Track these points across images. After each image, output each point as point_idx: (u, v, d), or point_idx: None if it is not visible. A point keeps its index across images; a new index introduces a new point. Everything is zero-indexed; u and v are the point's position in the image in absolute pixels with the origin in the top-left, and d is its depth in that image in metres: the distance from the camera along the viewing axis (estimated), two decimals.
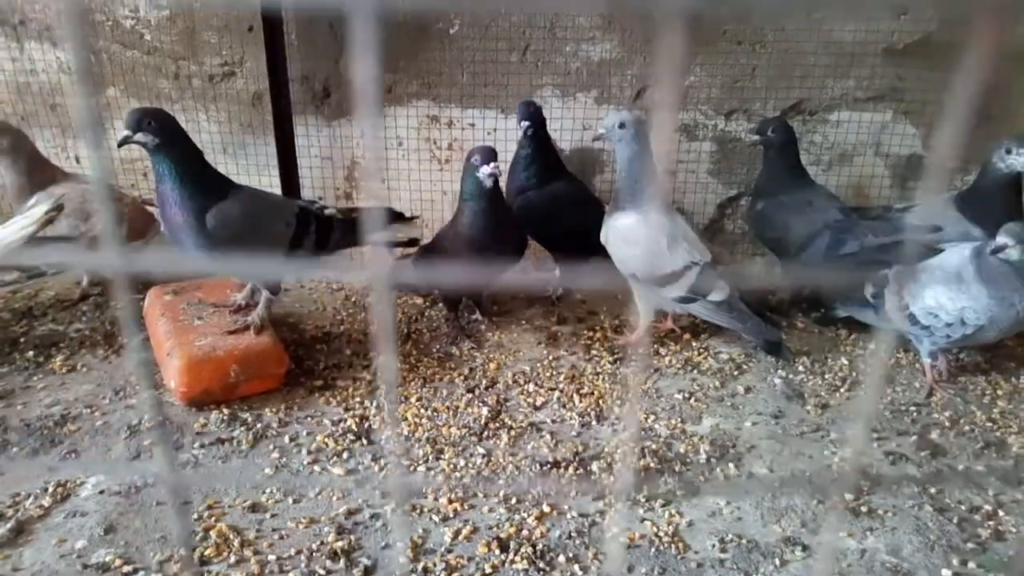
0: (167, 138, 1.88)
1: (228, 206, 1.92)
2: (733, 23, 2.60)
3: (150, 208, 2.53)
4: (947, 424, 1.97)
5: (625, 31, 2.63)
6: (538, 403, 2.05)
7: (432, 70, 2.69)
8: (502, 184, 2.36)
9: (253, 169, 2.78)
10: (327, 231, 2.16)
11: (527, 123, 2.43)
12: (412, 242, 2.49)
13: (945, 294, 1.97)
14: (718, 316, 2.20)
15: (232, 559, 1.48)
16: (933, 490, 1.71)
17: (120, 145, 1.85)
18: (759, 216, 2.53)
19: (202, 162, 1.97)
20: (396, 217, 2.43)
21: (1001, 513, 1.63)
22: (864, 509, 1.64)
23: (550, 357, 2.29)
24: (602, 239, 2.29)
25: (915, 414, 2.02)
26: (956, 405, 2.06)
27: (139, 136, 1.84)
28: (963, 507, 1.65)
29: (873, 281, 2.15)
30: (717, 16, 2.59)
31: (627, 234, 2.22)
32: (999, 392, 2.13)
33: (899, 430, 1.94)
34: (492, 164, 2.14)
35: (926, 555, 1.51)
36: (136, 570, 1.44)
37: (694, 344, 2.37)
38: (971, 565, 1.48)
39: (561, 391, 2.11)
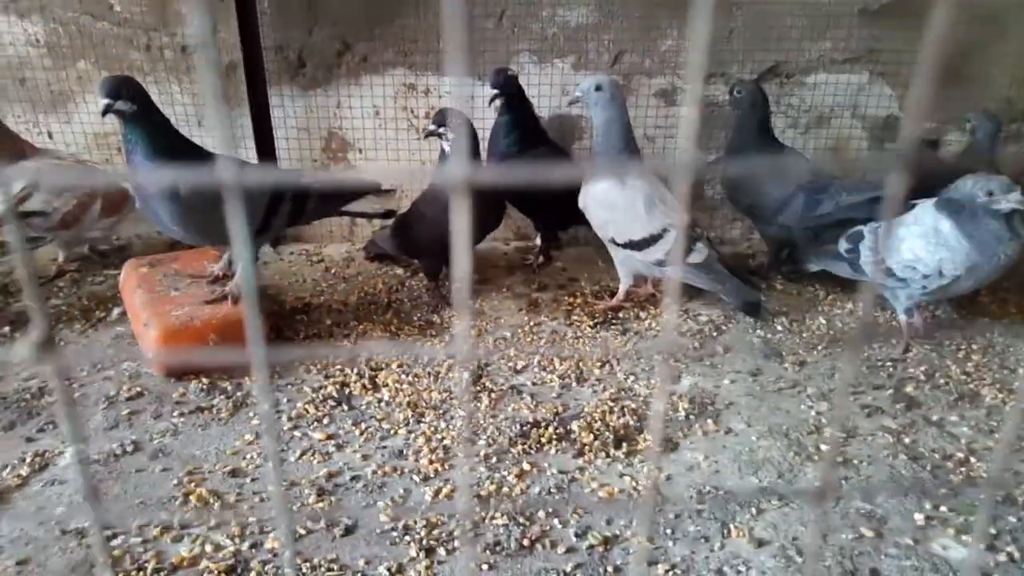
0: (142, 106, 1.86)
1: None
2: None
3: (126, 184, 2.50)
4: (922, 378, 2.00)
5: None
6: (519, 367, 2.06)
7: (407, 37, 2.66)
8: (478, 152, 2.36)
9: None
10: (303, 200, 2.15)
11: (496, 91, 2.42)
12: (388, 213, 2.48)
13: (923, 247, 1.99)
14: (697, 278, 2.21)
15: (212, 522, 1.48)
16: (907, 440, 1.73)
17: (104, 114, 1.82)
18: (731, 181, 2.53)
19: (173, 131, 1.95)
20: (373, 188, 2.42)
21: (973, 460, 1.66)
22: (840, 459, 1.66)
23: (531, 323, 2.29)
24: (580, 204, 2.29)
25: (891, 369, 2.04)
26: (932, 360, 2.08)
27: (119, 104, 1.82)
28: (936, 455, 1.68)
29: (847, 236, 2.17)
30: None
31: (604, 198, 2.22)
32: (973, 347, 2.15)
33: (875, 384, 1.97)
34: (434, 126, 2.16)
35: (900, 501, 1.53)
36: (115, 535, 1.44)
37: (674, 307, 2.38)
38: (943, 509, 1.51)
39: (542, 355, 2.11)
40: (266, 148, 2.71)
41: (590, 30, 2.67)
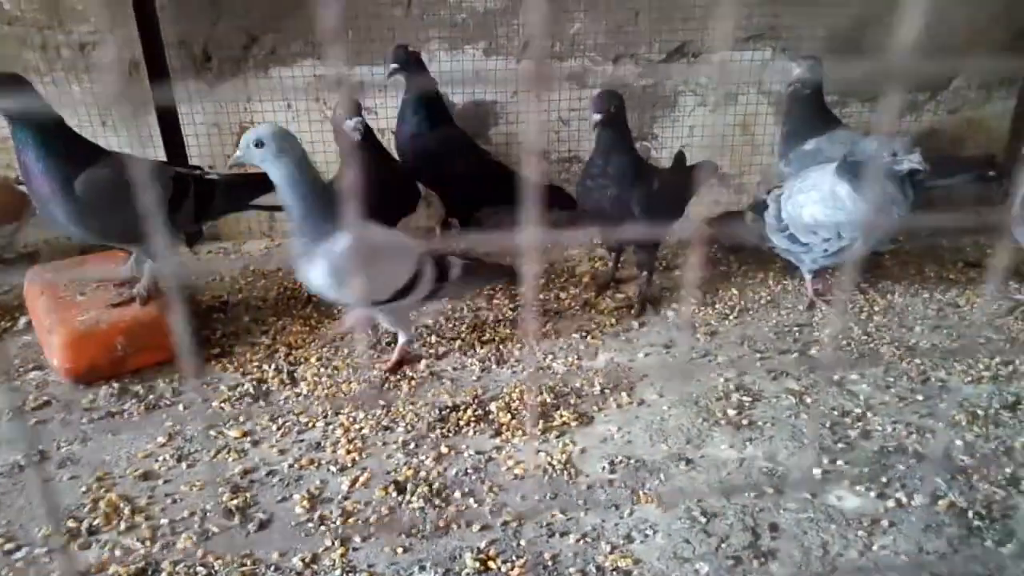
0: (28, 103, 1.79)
1: (97, 171, 1.84)
2: None
3: (23, 189, 2.41)
4: (826, 341, 2.09)
5: None
6: (440, 352, 2.07)
7: (315, 28, 2.62)
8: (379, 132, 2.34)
9: (136, 141, 2.67)
10: (209, 196, 2.10)
11: (395, 65, 2.41)
12: None
13: (822, 212, 2.07)
14: (468, 286, 2.17)
15: (122, 526, 1.45)
16: (809, 400, 1.81)
17: None
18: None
19: (66, 128, 1.88)
20: None
21: (869, 415, 1.75)
22: (745, 422, 1.73)
23: (452, 310, 2.30)
24: (313, 285, 1.84)
25: (797, 334, 2.13)
26: (835, 323, 2.18)
27: (2, 103, 1.75)
28: (835, 412, 1.76)
29: (753, 206, 2.25)
30: None
31: (350, 262, 1.73)
32: (875, 308, 2.26)
33: (781, 349, 2.05)
34: (355, 119, 2.12)
35: (799, 458, 1.60)
36: (19, 547, 1.40)
37: (592, 289, 2.42)
38: (839, 463, 1.59)
39: (463, 340, 2.13)
40: (175, 147, 2.65)
41: (499, 15, 2.68)
